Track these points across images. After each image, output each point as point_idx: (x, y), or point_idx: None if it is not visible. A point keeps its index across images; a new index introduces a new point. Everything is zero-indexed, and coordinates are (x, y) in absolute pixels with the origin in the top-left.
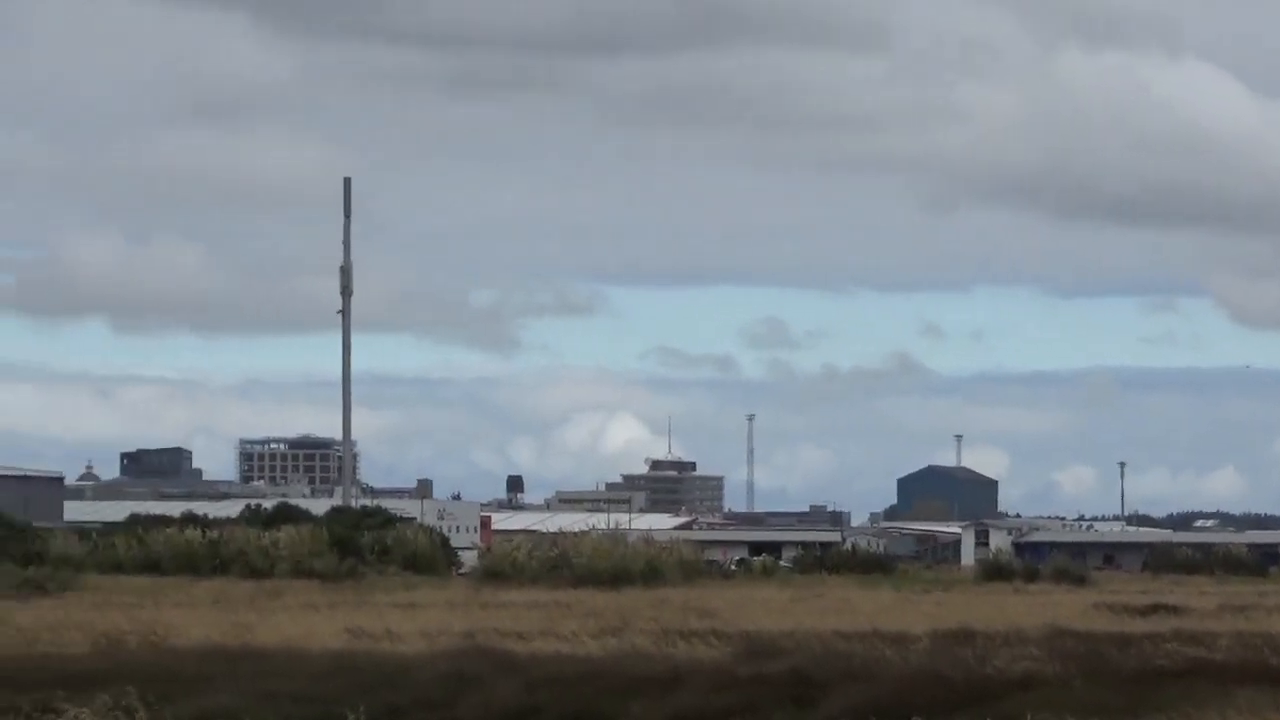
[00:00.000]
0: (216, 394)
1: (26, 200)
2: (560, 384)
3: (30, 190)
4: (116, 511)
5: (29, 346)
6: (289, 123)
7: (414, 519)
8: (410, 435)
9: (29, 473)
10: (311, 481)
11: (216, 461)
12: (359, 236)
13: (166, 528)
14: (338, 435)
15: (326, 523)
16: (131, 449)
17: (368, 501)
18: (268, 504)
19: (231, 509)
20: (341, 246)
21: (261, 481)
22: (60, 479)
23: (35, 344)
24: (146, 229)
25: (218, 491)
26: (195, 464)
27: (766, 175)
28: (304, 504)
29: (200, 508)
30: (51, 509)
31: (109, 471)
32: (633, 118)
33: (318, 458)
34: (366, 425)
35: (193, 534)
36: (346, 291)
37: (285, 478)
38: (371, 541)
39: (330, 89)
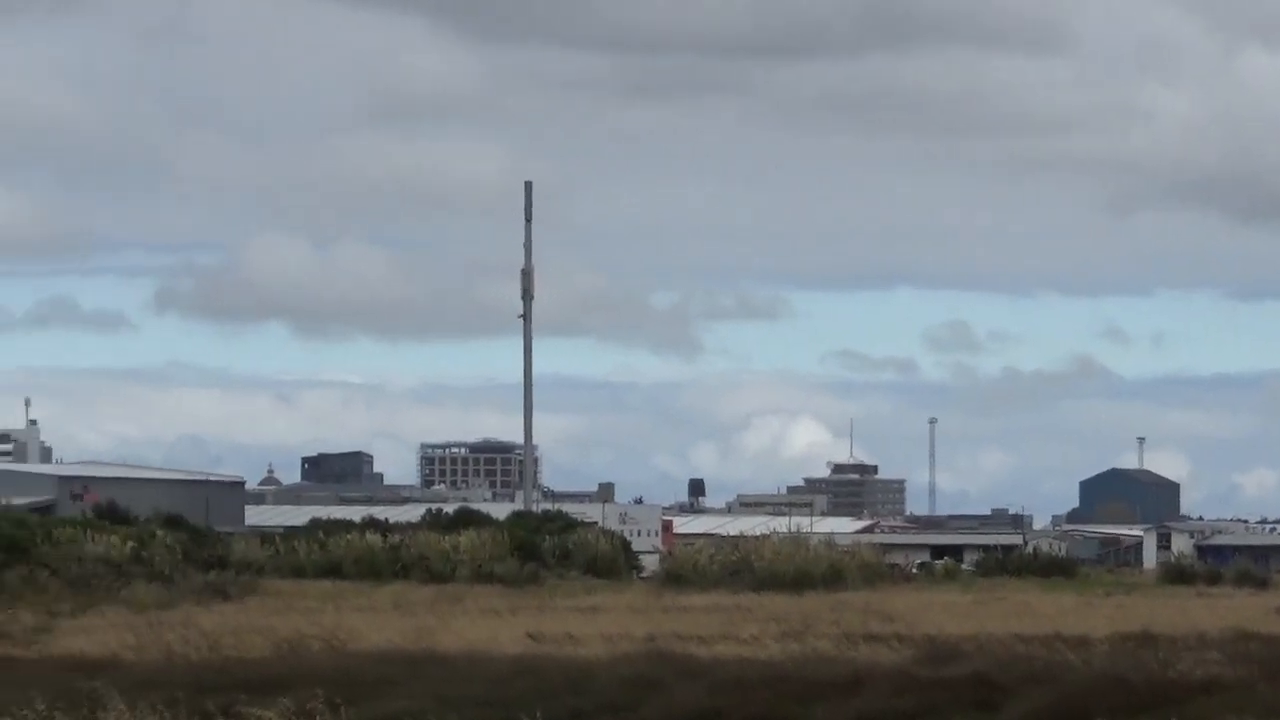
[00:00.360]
0: (397, 398)
1: (209, 205)
2: (742, 387)
3: (213, 194)
4: (297, 516)
5: (211, 351)
6: (471, 127)
7: (595, 523)
8: (591, 439)
9: (211, 477)
10: (493, 485)
11: (397, 466)
12: (540, 240)
13: (347, 532)
14: (519, 439)
15: (507, 527)
16: (312, 453)
17: (549, 505)
18: (448, 508)
19: (412, 513)
20: (523, 250)
21: (442, 486)
22: (241, 484)
23: (217, 349)
24: (328, 233)
25: (398, 496)
26: (376, 468)
27: (948, 177)
28: (485, 508)
29: (381, 512)
30: (233, 513)
31: (290, 476)
32: (814, 120)
33: (499, 462)
34: (548, 429)
35: (373, 538)
36: (528, 295)
37: (466, 482)
38: (552, 546)
39: (512, 93)
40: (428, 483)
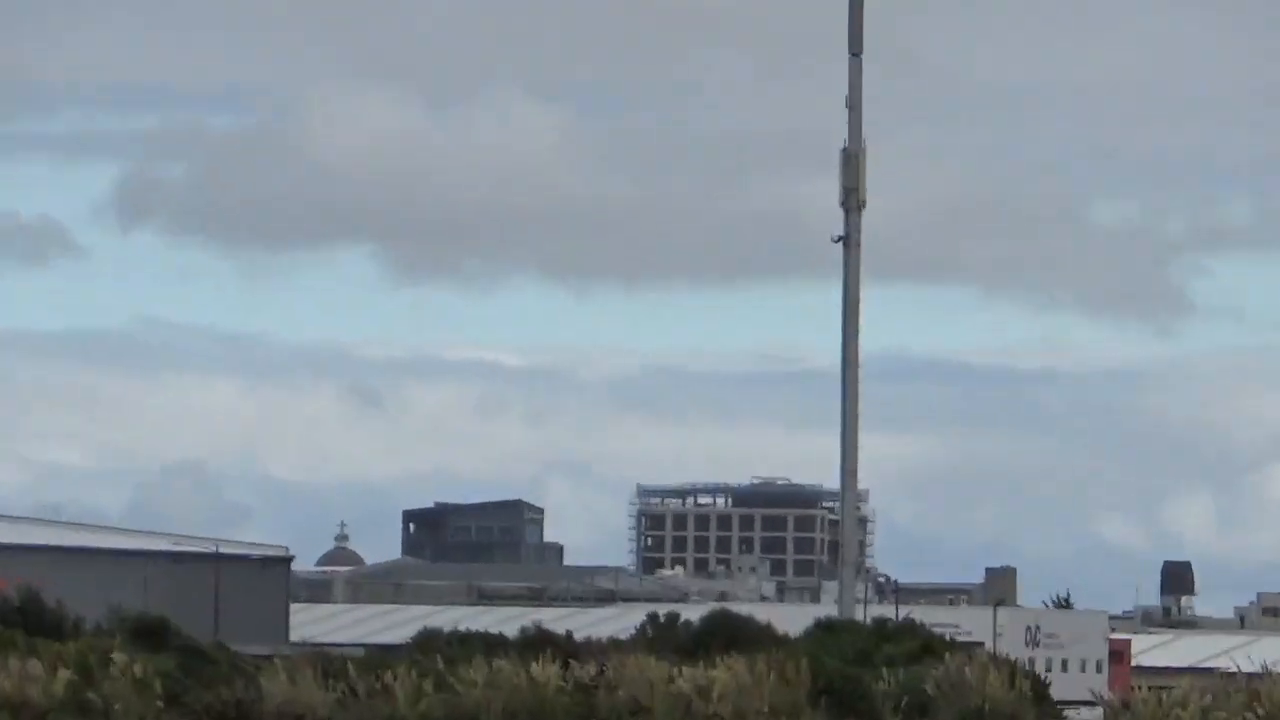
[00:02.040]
0: (588, 396)
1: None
2: (1271, 383)
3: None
4: (393, 624)
5: (218, 300)
6: None
7: (977, 644)
8: (963, 481)
9: (224, 549)
10: (776, 570)
11: (588, 527)
12: (879, 104)
13: (494, 657)
14: (826, 483)
15: (806, 651)
16: (423, 504)
17: (885, 608)
18: (691, 612)
19: (621, 620)
20: (845, 122)
21: (679, 569)
22: (286, 562)
23: (229, 296)
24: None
25: (593, 587)
26: (548, 533)
27: None
28: (762, 612)
29: (561, 619)
30: (267, 616)
31: (380, 546)
32: None
33: (789, 524)
34: (878, 463)
35: (547, 672)
36: (853, 201)
37: (724, 561)
38: (895, 688)
39: None
40: (650, 562)
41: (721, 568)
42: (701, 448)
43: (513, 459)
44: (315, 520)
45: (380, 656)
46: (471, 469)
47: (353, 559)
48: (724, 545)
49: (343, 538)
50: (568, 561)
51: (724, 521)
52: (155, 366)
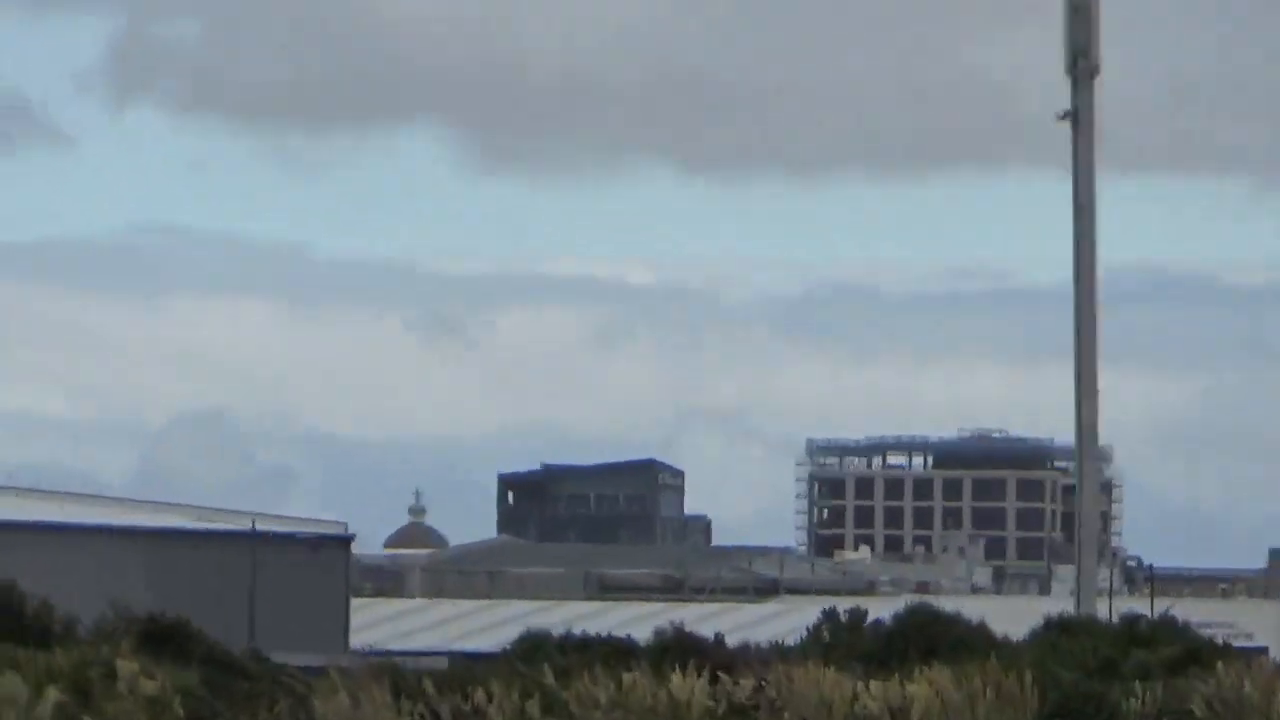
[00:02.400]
0: (718, 314)
1: None
2: None
3: None
4: (484, 626)
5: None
6: None
7: (1261, 649)
8: (1236, 439)
9: (261, 526)
10: (993, 551)
11: (737, 492)
12: None
13: (616, 666)
14: (1052, 435)
15: (1014, 660)
16: (527, 467)
17: (1136, 600)
18: (879, 604)
19: (788, 620)
20: None
21: (865, 549)
22: (345, 542)
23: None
24: None
25: (746, 574)
26: (688, 502)
27: None
28: (972, 606)
29: (705, 617)
30: (319, 615)
31: (470, 522)
32: None
33: (1009, 489)
34: (1126, 412)
35: (688, 685)
36: (1083, 67)
37: (923, 540)
38: (1151, 706)
39: None
40: (825, 542)
41: (920, 549)
42: (891, 391)
43: (641, 408)
44: (381, 489)
45: (469, 668)
46: (587, 421)
47: (432, 539)
48: (923, 519)
49: (419, 511)
50: (716, 541)
51: (922, 488)
52: (161, 288)
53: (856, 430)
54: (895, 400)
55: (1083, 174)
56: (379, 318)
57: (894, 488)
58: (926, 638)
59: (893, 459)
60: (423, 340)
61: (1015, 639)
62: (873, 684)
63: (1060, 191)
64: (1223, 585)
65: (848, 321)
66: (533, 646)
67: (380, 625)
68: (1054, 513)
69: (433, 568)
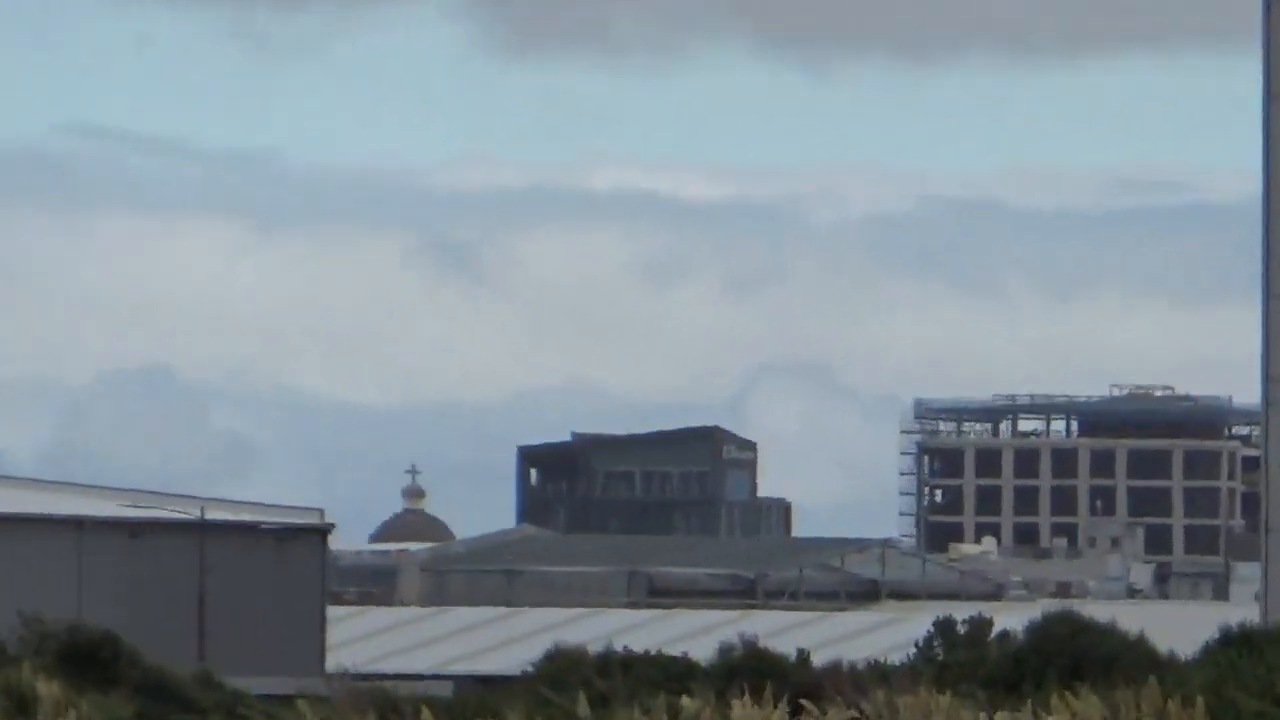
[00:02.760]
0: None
1: None
2: None
3: None
4: (499, 642)
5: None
6: None
7: None
8: None
9: (216, 514)
10: (1156, 551)
11: (827, 466)
12: None
13: (672, 693)
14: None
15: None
16: (554, 438)
17: None
18: (1014, 614)
19: (892, 635)
20: None
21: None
22: (323, 533)
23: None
24: None
25: (846, 578)
26: (765, 479)
27: None
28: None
29: (793, 628)
30: (294, 629)
31: (487, 509)
32: None
33: (1183, 463)
34: None
35: (763, 714)
36: None
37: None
38: None
39: None
40: (938, 531)
41: (1060, 541)
42: (1024, 337)
43: (702, 360)
44: (369, 466)
45: (481, 697)
46: (631, 378)
47: (433, 530)
48: (1064, 502)
49: (416, 494)
50: (797, 531)
51: (1064, 460)
52: (88, 206)
53: (979, 388)
54: (1029, 350)
55: (1275, 56)
56: (368, 246)
57: (1027, 462)
58: (1069, 655)
59: (1025, 424)
60: (424, 275)
61: (1184, 657)
62: (999, 715)
63: (1247, 76)
64: None
65: (968, 248)
66: (563, 667)
67: (366, 640)
68: (1233, 493)
69: (434, 566)
